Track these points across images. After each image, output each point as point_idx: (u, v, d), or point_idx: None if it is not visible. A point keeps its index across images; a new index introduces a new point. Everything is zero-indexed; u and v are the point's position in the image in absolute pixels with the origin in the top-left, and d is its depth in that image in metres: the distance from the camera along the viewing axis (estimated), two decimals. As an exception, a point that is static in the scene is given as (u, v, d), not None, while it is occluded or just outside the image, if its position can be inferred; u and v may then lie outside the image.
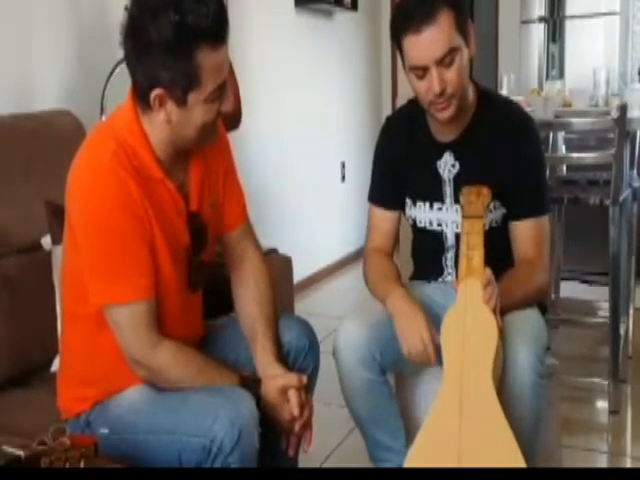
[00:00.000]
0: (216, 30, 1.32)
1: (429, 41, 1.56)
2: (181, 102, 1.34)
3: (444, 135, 1.76)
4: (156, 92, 1.33)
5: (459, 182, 1.72)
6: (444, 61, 1.58)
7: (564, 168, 3.22)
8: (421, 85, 1.62)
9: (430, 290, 1.82)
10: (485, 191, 1.59)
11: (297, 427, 1.47)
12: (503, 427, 1.37)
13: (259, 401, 1.42)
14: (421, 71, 1.60)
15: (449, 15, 1.57)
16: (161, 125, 1.38)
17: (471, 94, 1.73)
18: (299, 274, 3.72)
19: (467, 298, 1.48)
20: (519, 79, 3.93)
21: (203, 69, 1.32)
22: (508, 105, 1.81)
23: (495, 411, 1.39)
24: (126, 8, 1.34)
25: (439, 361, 1.54)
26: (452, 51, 1.58)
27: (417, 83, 1.63)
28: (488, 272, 1.50)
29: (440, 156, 1.76)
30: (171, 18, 1.27)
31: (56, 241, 1.76)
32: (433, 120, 1.74)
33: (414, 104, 1.77)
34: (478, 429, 1.39)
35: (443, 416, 1.44)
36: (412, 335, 1.58)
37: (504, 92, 3.19)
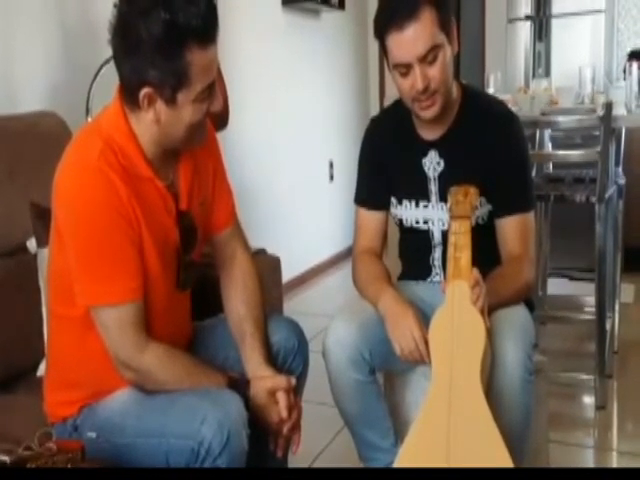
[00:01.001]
0: (206, 29, 1.32)
1: (412, 38, 1.57)
2: (170, 101, 1.33)
3: (429, 133, 1.76)
4: (145, 91, 1.32)
5: (444, 180, 1.73)
6: (427, 58, 1.59)
7: (550, 165, 3.23)
8: (405, 83, 1.63)
9: (419, 289, 1.82)
10: (472, 190, 1.60)
11: (285, 429, 1.47)
12: (491, 428, 1.37)
13: (248, 403, 1.42)
14: (404, 68, 1.61)
15: (431, 12, 1.57)
16: (149, 124, 1.37)
17: (455, 92, 1.73)
18: (288, 273, 3.71)
19: (454, 299, 1.48)
20: (506, 77, 3.94)
21: (193, 68, 1.31)
22: (491, 102, 1.82)
23: (483, 413, 1.39)
24: (115, 5, 1.32)
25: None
26: (435, 48, 1.59)
27: (401, 81, 1.64)
28: (475, 273, 1.50)
29: (425, 154, 1.76)
30: (161, 16, 1.26)
31: (41, 244, 1.75)
32: (418, 119, 1.75)
33: (399, 104, 1.78)
34: (466, 430, 1.39)
35: (432, 418, 1.44)
36: (404, 334, 1.58)
37: (491, 90, 3.20)
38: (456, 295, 1.48)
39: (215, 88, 1.39)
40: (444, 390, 1.43)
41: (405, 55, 1.59)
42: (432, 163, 1.76)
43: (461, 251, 1.52)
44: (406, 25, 1.56)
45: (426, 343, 1.55)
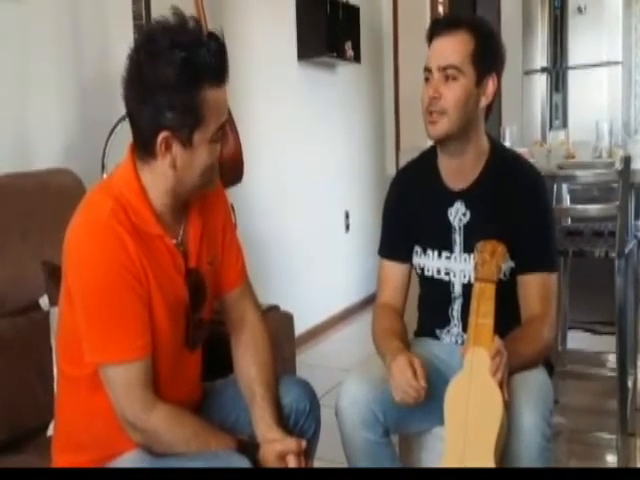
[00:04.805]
0: (219, 68, 1.35)
1: (440, 47, 1.68)
2: (187, 143, 1.35)
3: (456, 183, 1.77)
4: (162, 135, 1.33)
5: (469, 231, 1.73)
6: (445, 72, 1.65)
7: (569, 219, 3.20)
8: (425, 90, 1.69)
9: (435, 348, 1.80)
10: (500, 249, 1.56)
11: (296, 495, 1.43)
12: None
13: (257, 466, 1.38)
14: (427, 73, 1.69)
15: (469, 41, 1.66)
16: (165, 171, 1.37)
17: (485, 144, 1.76)
18: (302, 325, 3.68)
19: (473, 368, 1.44)
20: (522, 130, 3.94)
21: (208, 107, 1.33)
22: (519, 160, 1.83)
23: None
24: (129, 56, 1.35)
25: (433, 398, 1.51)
26: (456, 69, 1.64)
27: (424, 87, 1.70)
28: (498, 342, 1.46)
29: (451, 204, 1.77)
30: (177, 56, 1.29)
31: (53, 302, 1.74)
32: (445, 167, 1.78)
33: (426, 155, 1.82)
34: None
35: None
36: (398, 379, 1.53)
37: (507, 144, 3.18)
38: (475, 364, 1.44)
39: (226, 129, 1.41)
40: (456, 464, 1.38)
41: (431, 60, 1.68)
42: (458, 213, 1.76)
43: (484, 318, 1.48)
44: (443, 34, 1.67)
45: (419, 381, 1.50)
